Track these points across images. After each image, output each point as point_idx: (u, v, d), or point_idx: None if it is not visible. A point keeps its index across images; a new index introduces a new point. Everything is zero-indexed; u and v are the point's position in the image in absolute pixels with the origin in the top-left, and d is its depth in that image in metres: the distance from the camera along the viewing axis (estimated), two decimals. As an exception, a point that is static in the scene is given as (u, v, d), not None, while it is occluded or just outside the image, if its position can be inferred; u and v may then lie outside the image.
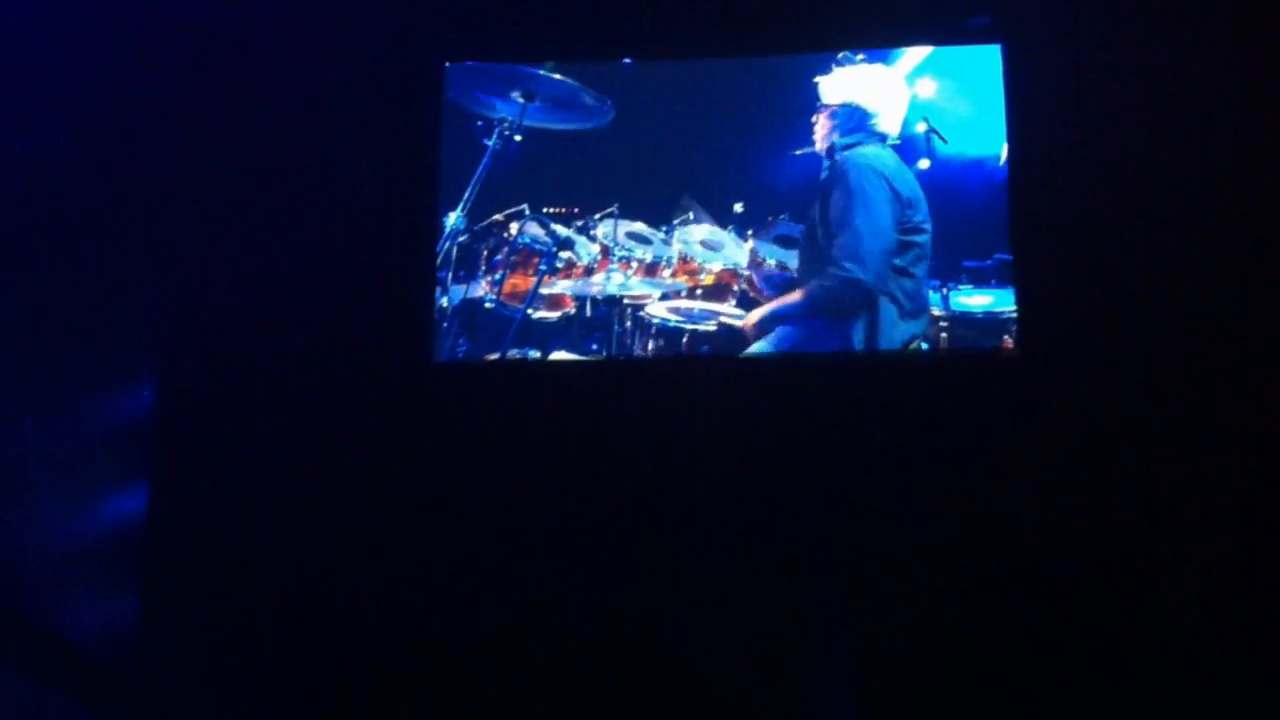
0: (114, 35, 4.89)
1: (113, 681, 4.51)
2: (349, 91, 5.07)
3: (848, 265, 4.93)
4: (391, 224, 5.04)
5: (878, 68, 5.09)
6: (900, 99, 5.06)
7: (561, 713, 4.70)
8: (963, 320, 4.99)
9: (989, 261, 4.97)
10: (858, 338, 4.93)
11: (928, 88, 5.07)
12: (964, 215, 5.01)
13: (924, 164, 5.03)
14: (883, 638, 4.65)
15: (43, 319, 4.76)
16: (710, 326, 5.07)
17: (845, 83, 5.08)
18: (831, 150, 5.05)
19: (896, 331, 4.93)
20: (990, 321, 4.95)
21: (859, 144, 5.04)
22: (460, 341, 5.08)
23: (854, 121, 5.05)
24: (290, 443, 4.88)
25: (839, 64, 5.09)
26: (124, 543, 4.81)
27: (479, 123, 5.17)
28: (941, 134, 5.03)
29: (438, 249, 5.06)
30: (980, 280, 4.99)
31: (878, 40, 5.10)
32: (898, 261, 4.95)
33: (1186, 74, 4.88)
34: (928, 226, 4.98)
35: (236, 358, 4.94)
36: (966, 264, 5.00)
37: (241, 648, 4.74)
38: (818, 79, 5.09)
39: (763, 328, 5.02)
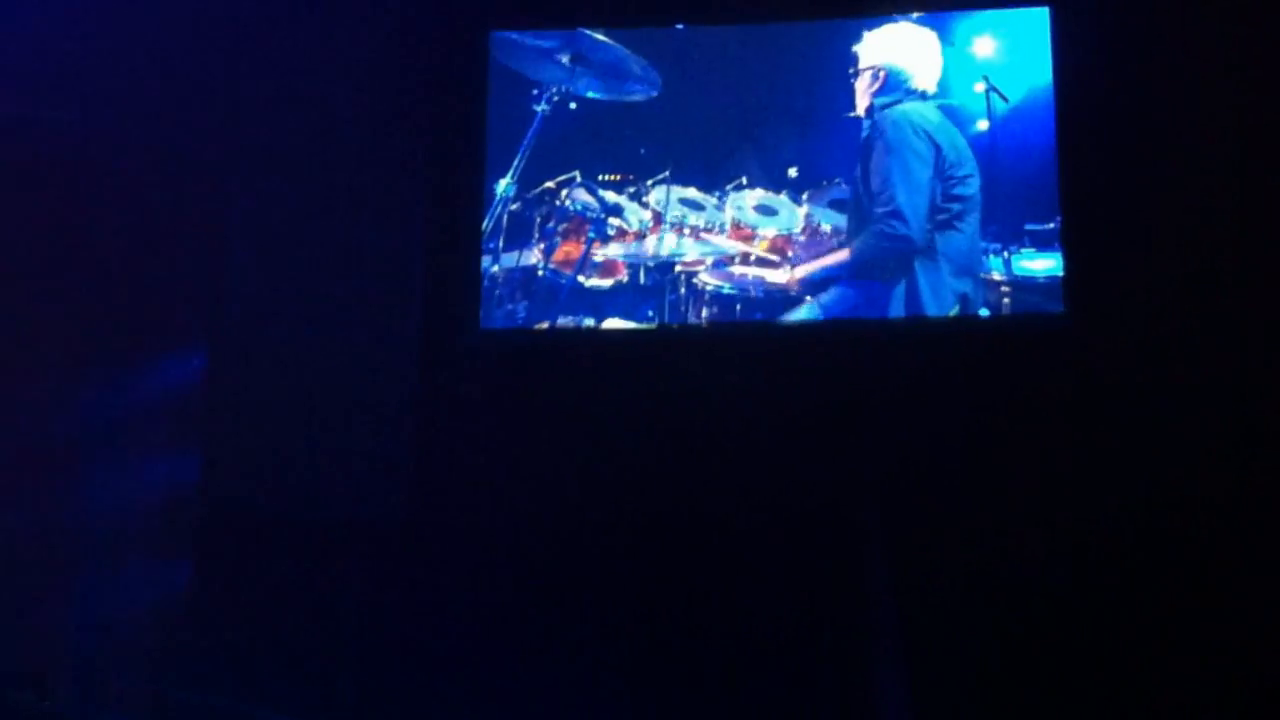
0: (165, 14, 4.96)
1: None
2: (397, 61, 5.07)
3: (892, 223, 4.87)
4: (440, 190, 5.05)
5: (906, 26, 4.99)
6: (935, 57, 4.96)
7: (613, 668, 4.69)
8: (1025, 285, 4.86)
9: (1051, 224, 4.85)
10: (901, 296, 4.85)
11: (987, 46, 4.96)
12: (1025, 176, 4.90)
13: (983, 125, 4.91)
14: (932, 610, 4.61)
15: (97, 290, 4.87)
16: (762, 293, 5.00)
17: (881, 42, 4.99)
18: (870, 110, 4.97)
19: (946, 290, 4.84)
20: (1053, 285, 4.82)
21: (899, 101, 4.95)
22: (513, 308, 5.05)
23: (890, 81, 4.96)
24: (339, 408, 4.91)
25: (874, 26, 5.01)
26: (177, 509, 4.88)
27: (534, 91, 5.13)
28: (1002, 93, 4.91)
29: (489, 216, 5.04)
30: (1043, 243, 4.86)
31: (929, 2, 5.00)
32: (942, 216, 4.86)
33: (1236, 36, 4.79)
34: (974, 181, 4.88)
35: (287, 325, 4.98)
36: (1029, 226, 4.88)
37: (291, 613, 4.79)
38: (858, 42, 5.02)
39: (808, 286, 4.95)
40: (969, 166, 4.89)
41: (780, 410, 4.83)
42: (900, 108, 4.94)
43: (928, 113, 4.94)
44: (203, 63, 5.01)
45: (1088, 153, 4.84)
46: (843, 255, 4.95)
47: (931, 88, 4.96)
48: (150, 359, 4.93)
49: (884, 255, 4.89)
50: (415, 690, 4.73)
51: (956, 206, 4.87)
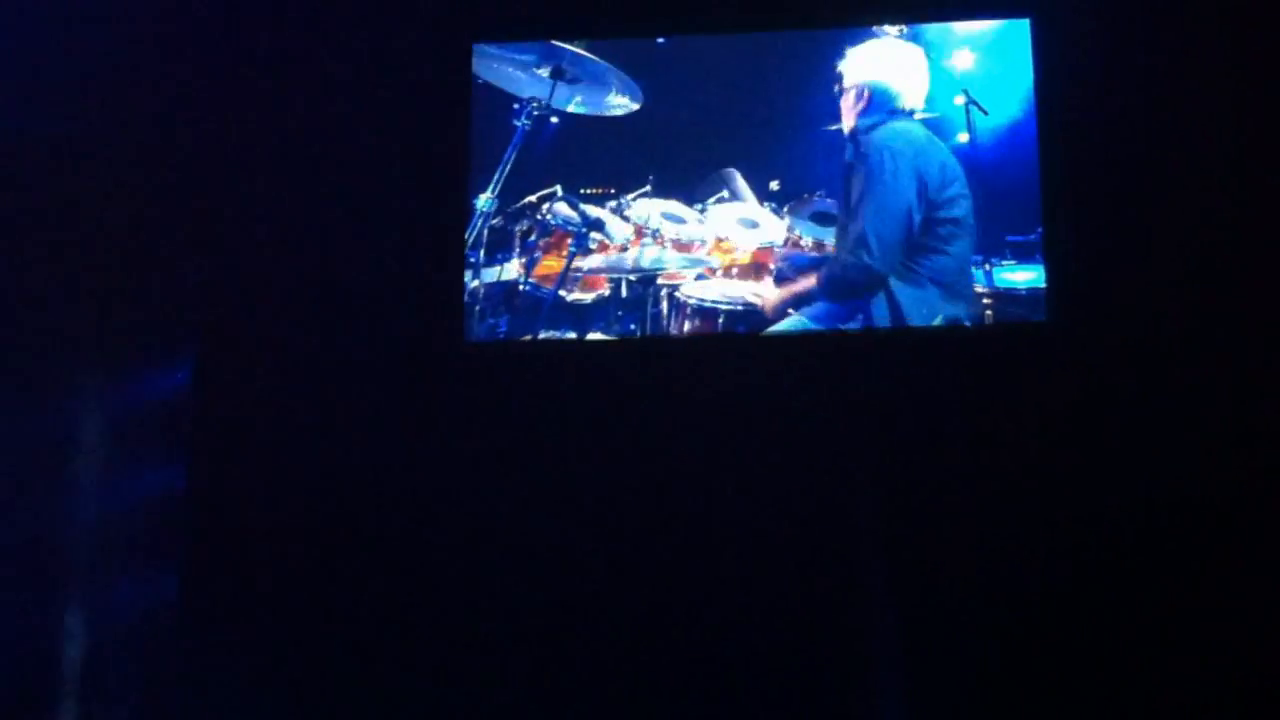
0: (149, 24, 4.99)
1: None
2: (378, 73, 5.08)
3: (858, 251, 4.86)
4: (422, 204, 5.05)
5: (890, 42, 4.99)
6: (922, 74, 4.95)
7: (611, 672, 4.71)
8: (1007, 296, 4.87)
9: (1033, 235, 4.86)
10: (885, 313, 4.85)
11: (966, 60, 4.96)
12: (1006, 189, 4.90)
13: (963, 138, 4.92)
14: (931, 610, 4.65)
15: (85, 300, 4.89)
16: (743, 306, 5.00)
17: (866, 60, 4.99)
18: (855, 132, 4.96)
19: (934, 314, 4.84)
20: (1035, 297, 4.83)
21: (883, 123, 4.94)
22: (494, 322, 5.05)
23: (875, 100, 4.95)
24: (325, 421, 4.93)
25: (861, 40, 5.01)
26: (164, 519, 4.88)
27: (515, 105, 5.14)
28: (982, 106, 4.91)
29: (470, 231, 5.05)
30: (1024, 255, 4.87)
31: (910, 13, 5.01)
32: (929, 241, 4.85)
33: (1218, 48, 4.81)
34: (964, 202, 4.87)
35: (272, 337, 5.00)
36: (1010, 239, 4.89)
37: (278, 623, 4.80)
38: (842, 59, 5.01)
39: (782, 311, 4.96)
40: (958, 186, 4.87)
41: (765, 423, 4.83)
42: (882, 131, 4.92)
43: (912, 134, 4.91)
44: (186, 77, 5.03)
45: (1069, 164, 4.84)
46: (812, 280, 4.95)
47: (919, 105, 4.95)
48: (137, 368, 4.94)
49: (850, 282, 4.88)
50: (405, 699, 4.73)
51: (945, 230, 4.86)
